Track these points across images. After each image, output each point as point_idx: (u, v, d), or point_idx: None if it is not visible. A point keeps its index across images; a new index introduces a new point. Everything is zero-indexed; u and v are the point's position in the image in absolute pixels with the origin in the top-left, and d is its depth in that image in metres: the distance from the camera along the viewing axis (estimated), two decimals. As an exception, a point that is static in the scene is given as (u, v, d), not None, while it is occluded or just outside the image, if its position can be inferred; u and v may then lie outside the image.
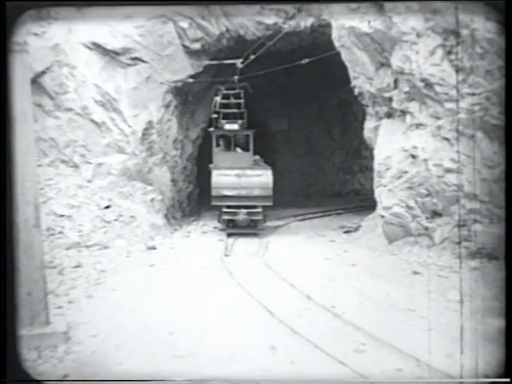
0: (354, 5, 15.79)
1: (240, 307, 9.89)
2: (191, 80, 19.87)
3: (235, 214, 17.85)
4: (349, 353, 7.61)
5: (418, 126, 14.61)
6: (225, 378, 6.84)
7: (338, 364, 7.23)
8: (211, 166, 18.81)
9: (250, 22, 19.06)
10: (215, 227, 19.33)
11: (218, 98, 19.33)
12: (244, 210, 17.78)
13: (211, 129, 19.49)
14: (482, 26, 12.74)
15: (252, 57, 17.17)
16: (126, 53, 18.67)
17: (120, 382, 6.81)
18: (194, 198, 22.87)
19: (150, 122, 19.09)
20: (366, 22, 15.62)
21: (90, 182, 17.91)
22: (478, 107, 13.01)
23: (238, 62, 17.73)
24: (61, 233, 15.14)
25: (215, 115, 19.44)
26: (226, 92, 19.29)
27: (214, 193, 17.67)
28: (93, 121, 18.39)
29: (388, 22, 14.93)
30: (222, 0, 18.04)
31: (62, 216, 15.81)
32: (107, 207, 17.07)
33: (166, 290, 10.93)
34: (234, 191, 17.68)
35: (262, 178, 17.88)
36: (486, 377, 6.58)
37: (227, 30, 19.30)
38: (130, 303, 10.02)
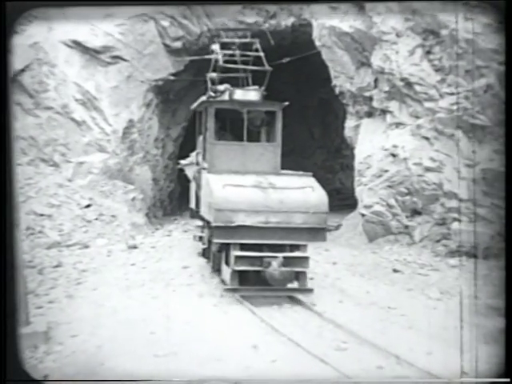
0: (334, 4, 15.86)
1: (222, 306, 9.90)
2: (172, 78, 19.82)
3: (260, 261, 9.75)
4: (330, 351, 7.66)
5: (398, 125, 14.75)
6: (215, 377, 6.85)
7: (319, 362, 7.27)
8: (204, 166, 11.28)
9: (231, 22, 19.07)
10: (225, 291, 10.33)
11: (216, 48, 12.86)
12: (280, 256, 9.61)
13: (202, 98, 12.25)
14: (461, 27, 12.88)
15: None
16: (106, 51, 18.58)
17: (119, 382, 6.79)
18: (176, 197, 22.82)
19: (130, 121, 19.01)
20: (346, 22, 15.69)
21: (70, 181, 17.80)
22: (457, 107, 13.17)
23: (220, 57, 17.58)
24: (41, 232, 15.04)
25: (213, 75, 12.54)
26: (229, 41, 13.23)
27: (217, 218, 9.64)
28: (73, 119, 18.28)
29: (368, 21, 15.04)
30: (222, 0, 17.89)
31: (42, 215, 15.70)
32: (88, 206, 16.98)
33: (147, 290, 10.91)
34: (258, 217, 9.65)
35: (306, 193, 10.04)
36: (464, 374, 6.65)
37: (208, 29, 19.29)
38: (111, 303, 9.99)
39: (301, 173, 11.41)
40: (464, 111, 13.05)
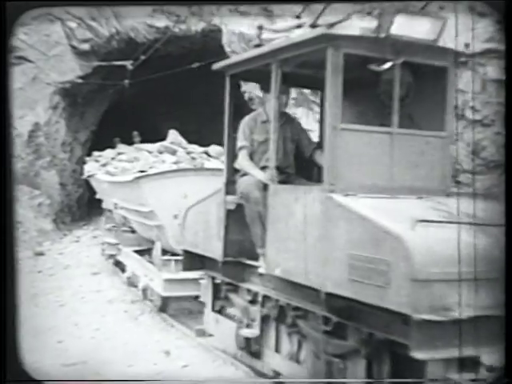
0: (243, 9, 16.09)
1: (133, 312, 9.86)
2: (80, 81, 19.43)
3: None
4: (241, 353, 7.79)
5: (306, 131, 15.16)
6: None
7: (231, 365, 7.39)
8: (268, 177, 5.85)
9: (140, 25, 18.94)
10: None
11: None
12: None
13: (295, 35, 5.72)
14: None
15: (142, 57, 16.99)
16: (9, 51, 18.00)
17: (120, 382, 6.64)
18: (84, 202, 22.34)
19: (36, 124, 18.50)
20: (255, 28, 15.93)
21: (-29, 186, 17.13)
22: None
23: (128, 64, 17.41)
24: None
25: None
26: None
27: (419, 302, 3.91)
28: (-26, 122, 17.60)
29: (277, 29, 15.37)
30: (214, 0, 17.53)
31: None
32: (-9, 212, 16.40)
33: (54, 297, 10.70)
34: None
35: None
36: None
37: (117, 32, 19.06)
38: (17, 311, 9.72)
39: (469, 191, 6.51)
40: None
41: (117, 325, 9.12)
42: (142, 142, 15.48)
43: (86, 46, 19.07)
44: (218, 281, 7.35)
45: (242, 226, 6.37)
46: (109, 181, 12.76)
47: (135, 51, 17.76)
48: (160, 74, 17.48)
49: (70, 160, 20.73)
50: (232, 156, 6.83)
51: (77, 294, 11.00)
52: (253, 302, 6.49)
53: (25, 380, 5.74)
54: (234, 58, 7.13)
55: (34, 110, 18.54)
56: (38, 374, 7.12)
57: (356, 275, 4.50)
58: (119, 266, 12.74)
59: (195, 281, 8.47)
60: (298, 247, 5.27)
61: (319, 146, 6.66)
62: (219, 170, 9.23)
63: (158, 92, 23.72)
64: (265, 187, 5.91)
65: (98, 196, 15.49)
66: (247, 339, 6.67)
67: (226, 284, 7.10)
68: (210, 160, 11.54)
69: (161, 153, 11.78)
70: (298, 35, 5.67)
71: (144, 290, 10.33)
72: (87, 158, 16.49)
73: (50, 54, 18.65)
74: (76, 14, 18.60)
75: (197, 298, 9.09)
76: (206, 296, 7.73)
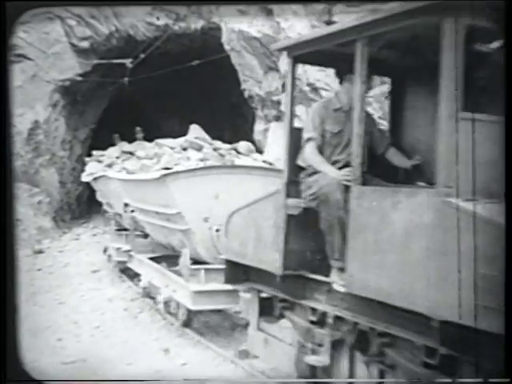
0: (243, 8, 16.07)
1: (131, 310, 9.86)
2: (79, 79, 19.42)
3: None
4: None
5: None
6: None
7: (230, 364, 7.39)
8: (367, 181, 4.74)
9: (140, 23, 18.92)
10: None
11: None
12: None
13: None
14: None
15: (142, 55, 16.99)
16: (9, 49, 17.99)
17: (120, 382, 6.64)
18: (84, 200, 22.34)
19: (36, 122, 18.47)
20: (255, 27, 15.93)
21: (-29, 184, 17.12)
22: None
23: (128, 62, 17.41)
24: None
25: None
26: None
27: None
28: (-26, 120, 17.59)
29: (276, 27, 15.33)
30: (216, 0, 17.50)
31: None
32: (-10, 210, 16.39)
33: (54, 295, 10.70)
34: None
35: None
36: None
37: (117, 30, 19.04)
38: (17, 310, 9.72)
39: None
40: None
41: (116, 323, 9.13)
42: (144, 138, 15.50)
43: (85, 44, 19.05)
44: (264, 295, 6.31)
45: (304, 234, 5.53)
46: (124, 179, 11.33)
47: (135, 49, 17.76)
48: (160, 72, 17.47)
49: (69, 158, 20.72)
50: (294, 150, 5.74)
51: (76, 291, 11.00)
52: (318, 323, 5.37)
53: (25, 380, 5.76)
54: (301, 37, 6.25)
55: (34, 108, 18.52)
56: (36, 372, 7.14)
57: (487, 301, 3.61)
58: (126, 272, 12.28)
59: (227, 293, 7.68)
60: (397, 263, 4.25)
61: (392, 142, 5.82)
62: (254, 168, 8.74)
63: (157, 89, 23.69)
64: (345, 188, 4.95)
65: (100, 199, 15.18)
66: (312, 367, 5.49)
67: (281, 301, 5.91)
68: (240, 157, 10.48)
69: (184, 149, 10.67)
70: (397, 5, 4.57)
71: (166, 303, 9.11)
72: (87, 159, 16.36)
73: (49, 52, 18.63)
74: (75, 12, 18.58)
75: (220, 311, 8.76)
76: (251, 313, 6.54)
